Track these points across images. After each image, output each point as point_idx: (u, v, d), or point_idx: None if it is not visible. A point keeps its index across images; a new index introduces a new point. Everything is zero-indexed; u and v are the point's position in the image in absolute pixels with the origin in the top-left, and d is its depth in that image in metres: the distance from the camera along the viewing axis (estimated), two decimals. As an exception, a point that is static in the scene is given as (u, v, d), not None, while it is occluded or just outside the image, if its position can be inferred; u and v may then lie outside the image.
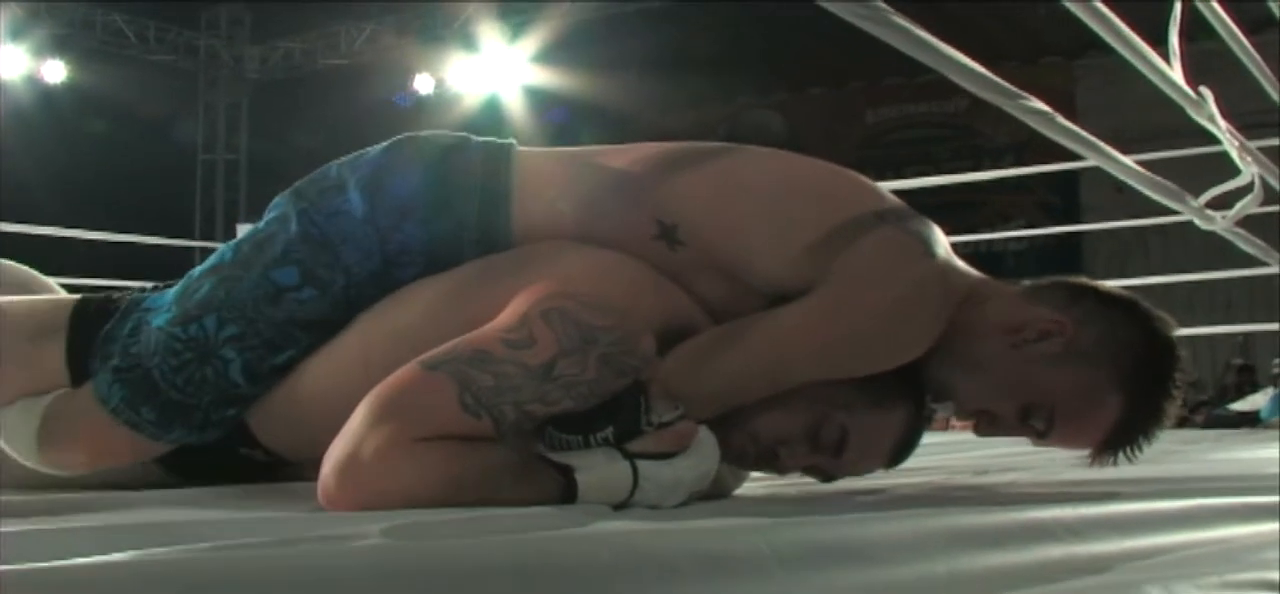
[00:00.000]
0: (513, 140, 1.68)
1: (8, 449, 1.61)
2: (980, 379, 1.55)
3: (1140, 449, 1.56)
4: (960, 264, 1.58)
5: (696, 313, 1.53)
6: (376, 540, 0.90)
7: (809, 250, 1.48)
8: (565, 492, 1.34)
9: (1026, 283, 1.64)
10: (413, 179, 1.59)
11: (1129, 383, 1.52)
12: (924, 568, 0.90)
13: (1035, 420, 1.54)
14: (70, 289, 1.96)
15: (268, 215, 1.64)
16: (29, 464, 1.60)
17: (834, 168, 1.63)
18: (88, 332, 1.63)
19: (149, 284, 1.73)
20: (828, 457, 1.52)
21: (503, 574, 0.75)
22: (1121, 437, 1.54)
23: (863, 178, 1.62)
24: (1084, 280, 1.63)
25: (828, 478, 1.57)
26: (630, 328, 1.43)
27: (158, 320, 1.57)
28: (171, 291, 1.62)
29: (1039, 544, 1.00)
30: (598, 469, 1.36)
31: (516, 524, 1.08)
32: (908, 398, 1.53)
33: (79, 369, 1.62)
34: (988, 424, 1.57)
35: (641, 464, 1.37)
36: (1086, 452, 1.58)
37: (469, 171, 1.61)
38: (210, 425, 1.59)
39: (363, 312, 1.58)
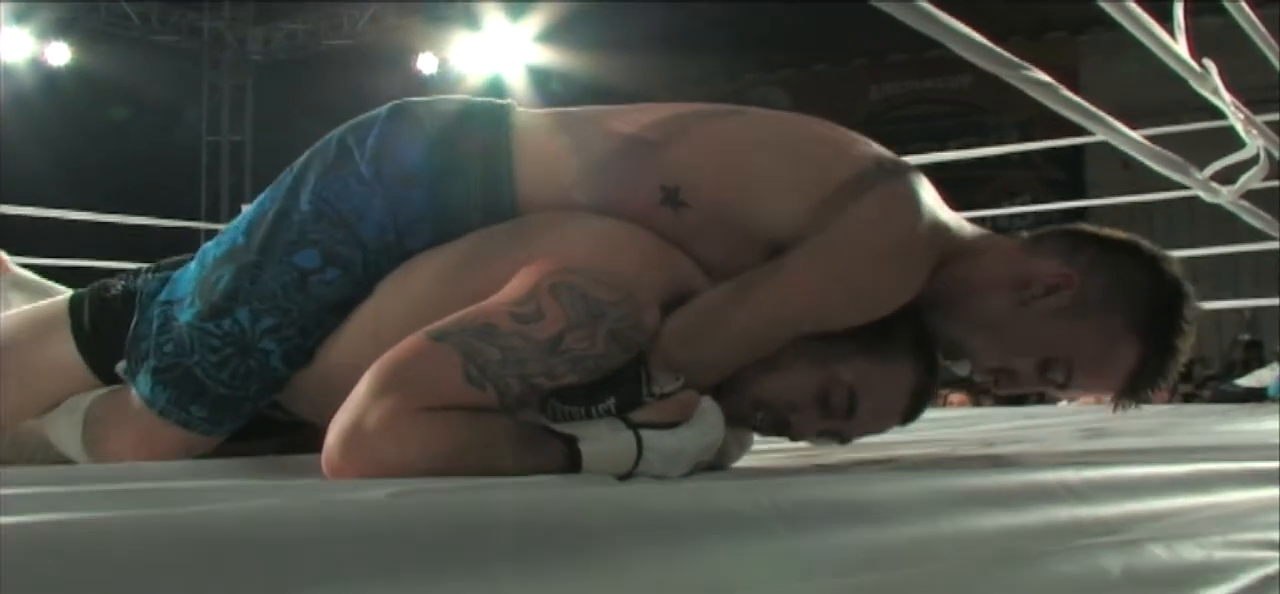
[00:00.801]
0: (511, 101, 1.67)
1: (62, 451, 1.63)
2: (993, 338, 1.56)
3: (1160, 388, 1.56)
4: (951, 216, 1.57)
5: (700, 279, 1.52)
6: (381, 499, 0.90)
7: (806, 202, 1.49)
8: (569, 462, 1.33)
9: (1026, 234, 1.64)
10: (416, 148, 1.58)
11: (1142, 326, 1.53)
12: (930, 527, 0.90)
13: (1053, 373, 1.55)
14: (76, 272, 1.97)
15: (273, 192, 1.62)
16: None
17: (829, 124, 1.64)
18: (95, 321, 1.63)
19: (143, 266, 1.71)
20: (840, 420, 1.51)
21: (504, 529, 0.76)
22: (1140, 379, 1.55)
23: (856, 134, 1.62)
24: (1084, 227, 1.63)
25: (843, 440, 1.57)
26: (638, 302, 1.42)
27: (185, 315, 1.56)
28: (187, 279, 1.60)
29: (1045, 506, 1.01)
30: (602, 440, 1.36)
31: (515, 487, 1.08)
32: (914, 352, 1.53)
33: (98, 363, 1.63)
34: (1007, 380, 1.58)
35: (645, 434, 1.37)
36: (1108, 397, 1.59)
37: (469, 139, 1.60)
38: (255, 412, 1.61)
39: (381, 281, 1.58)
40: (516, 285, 1.41)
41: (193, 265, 1.62)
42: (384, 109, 1.64)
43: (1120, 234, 1.61)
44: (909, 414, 1.56)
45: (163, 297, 1.60)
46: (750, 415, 1.52)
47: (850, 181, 1.49)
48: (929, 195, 1.54)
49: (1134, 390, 1.56)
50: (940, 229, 1.53)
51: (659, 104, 1.65)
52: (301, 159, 1.63)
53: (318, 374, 1.58)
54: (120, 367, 1.61)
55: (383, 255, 1.57)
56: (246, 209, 1.64)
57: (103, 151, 11.28)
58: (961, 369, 1.59)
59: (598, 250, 1.46)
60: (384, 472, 1.26)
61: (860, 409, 1.50)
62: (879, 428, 1.58)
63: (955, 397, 7.03)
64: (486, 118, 1.62)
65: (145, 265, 1.72)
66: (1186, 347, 1.54)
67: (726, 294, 1.49)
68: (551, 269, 1.41)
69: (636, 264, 1.46)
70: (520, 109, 1.65)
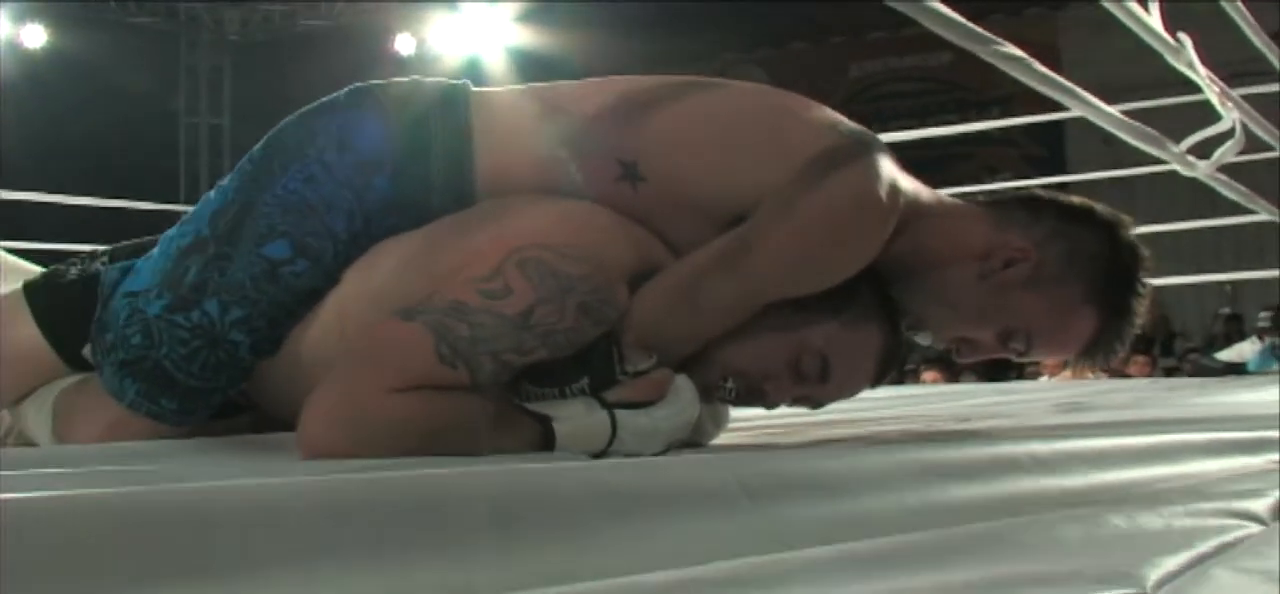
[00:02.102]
0: (467, 81, 1.65)
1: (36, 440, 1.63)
2: (954, 310, 1.58)
3: (1116, 350, 1.60)
4: (908, 182, 1.58)
5: (665, 255, 1.52)
6: (354, 479, 0.90)
7: (768, 172, 1.49)
8: (543, 441, 1.34)
9: (983, 200, 1.65)
10: (377, 133, 1.57)
11: (1099, 294, 1.55)
12: (895, 499, 0.91)
13: (1014, 342, 1.57)
14: (56, 256, 1.96)
15: (236, 181, 1.59)
16: None
17: (789, 94, 1.64)
18: (54, 303, 1.62)
19: (97, 248, 1.68)
20: (813, 385, 1.52)
21: (477, 507, 0.76)
22: (1098, 344, 1.58)
23: (812, 101, 1.62)
24: (1041, 193, 1.65)
25: (817, 404, 1.58)
26: (607, 276, 1.42)
27: (153, 308, 1.54)
28: (150, 269, 1.57)
29: (1010, 477, 1.01)
30: (576, 419, 1.36)
31: (482, 464, 1.09)
32: (881, 315, 1.54)
33: (62, 344, 1.62)
34: (968, 349, 1.60)
35: (620, 414, 1.37)
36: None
37: (429, 122, 1.58)
38: (225, 401, 1.60)
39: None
40: (483, 262, 1.40)
41: (155, 254, 1.60)
42: (342, 93, 1.62)
43: (1077, 201, 1.63)
44: (879, 375, 1.57)
45: (125, 287, 1.58)
46: (722, 386, 1.52)
47: (813, 150, 1.49)
48: (888, 160, 1.54)
49: (1092, 356, 1.60)
50: (901, 193, 1.53)
51: (619, 78, 1.64)
52: (259, 146, 1.61)
53: (282, 364, 1.56)
54: (87, 350, 1.60)
55: (352, 245, 1.55)
56: (208, 197, 1.62)
57: (80, 134, 11.21)
58: (924, 339, 1.62)
59: (562, 226, 1.45)
60: (358, 451, 1.27)
61: (833, 373, 1.51)
62: (851, 391, 1.59)
63: (929, 374, 7.05)
64: (445, 100, 1.60)
65: (98, 248, 1.70)
66: (1142, 309, 1.58)
67: (694, 267, 1.48)
68: (517, 245, 1.41)
69: (603, 239, 1.46)
70: (477, 89, 1.63)
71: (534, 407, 1.38)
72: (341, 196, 1.54)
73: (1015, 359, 1.62)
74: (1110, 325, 1.57)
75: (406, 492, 0.78)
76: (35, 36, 11.68)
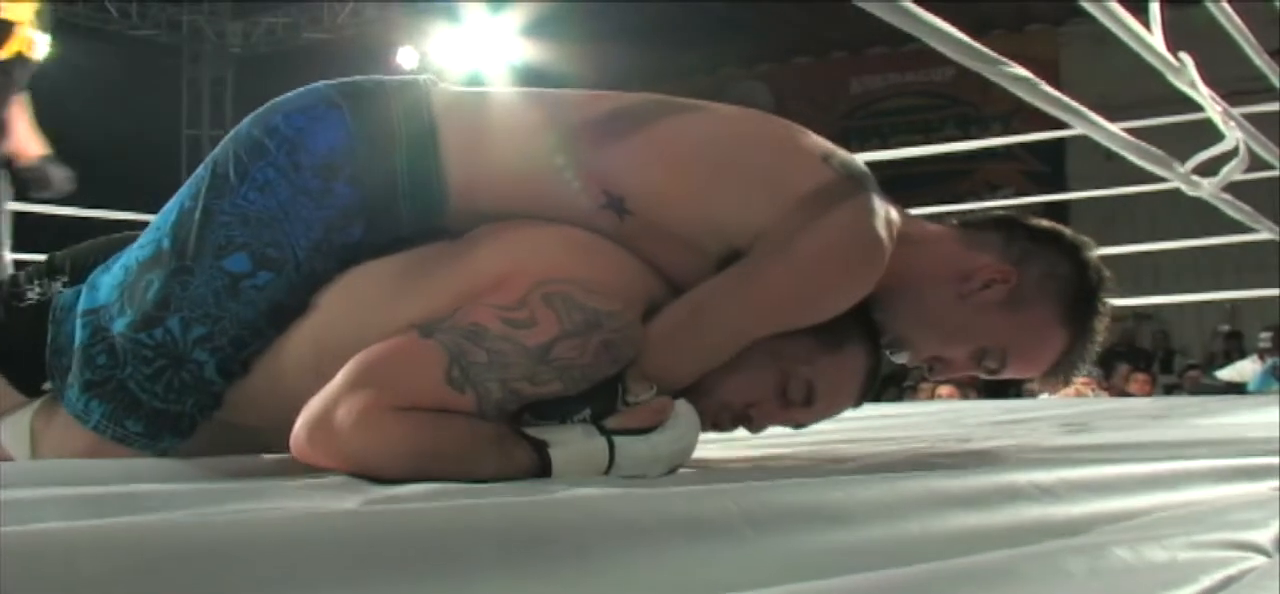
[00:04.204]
0: (429, 76, 1.60)
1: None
2: (932, 330, 1.61)
3: (1079, 369, 1.66)
4: (895, 211, 1.59)
5: (660, 287, 1.51)
6: (353, 509, 0.90)
7: (767, 212, 1.49)
8: (540, 467, 1.33)
9: (958, 223, 1.69)
10: (333, 134, 1.50)
11: (1070, 314, 1.61)
12: (897, 529, 0.90)
13: (988, 361, 1.62)
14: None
15: (193, 189, 1.53)
16: None
17: (784, 123, 1.64)
18: (11, 339, 1.55)
19: (56, 254, 1.62)
20: (798, 409, 1.55)
21: (474, 533, 0.76)
22: (1065, 362, 1.63)
23: (803, 129, 1.62)
24: (1013, 216, 1.69)
25: (800, 426, 1.61)
26: (631, 314, 1.43)
27: (118, 326, 1.48)
28: (109, 284, 1.51)
29: (1013, 505, 1.01)
30: (573, 445, 1.35)
31: (484, 493, 1.08)
32: (863, 337, 1.57)
33: (15, 375, 1.56)
34: (942, 368, 1.64)
35: (618, 441, 1.37)
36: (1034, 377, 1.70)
37: (389, 118, 1.51)
38: (196, 425, 1.52)
39: (320, 290, 1.50)
40: (507, 291, 1.39)
41: (116, 269, 1.53)
42: (294, 94, 1.56)
43: (1047, 224, 1.68)
44: (861, 396, 1.60)
45: (82, 306, 1.52)
46: (715, 417, 1.52)
47: (808, 187, 1.50)
48: (879, 195, 1.55)
49: (1058, 373, 1.65)
50: (894, 227, 1.55)
51: (605, 94, 1.60)
52: (216, 152, 1.56)
53: (257, 390, 1.50)
54: (46, 388, 1.55)
55: (315, 255, 1.49)
56: (168, 206, 1.55)
57: (81, 145, 11.14)
58: (901, 358, 1.65)
59: (583, 259, 1.45)
60: (348, 466, 1.27)
61: (818, 398, 1.54)
62: (835, 412, 1.62)
63: (944, 389, 7.09)
64: (406, 98, 1.54)
65: (56, 253, 1.64)
66: (1104, 329, 1.64)
67: (695, 305, 1.49)
68: (542, 277, 1.40)
69: (624, 274, 1.46)
70: (443, 86, 1.58)
71: (532, 431, 1.37)
72: (299, 204, 1.48)
73: (985, 376, 1.67)
74: (1077, 345, 1.62)
75: (408, 523, 0.77)
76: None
